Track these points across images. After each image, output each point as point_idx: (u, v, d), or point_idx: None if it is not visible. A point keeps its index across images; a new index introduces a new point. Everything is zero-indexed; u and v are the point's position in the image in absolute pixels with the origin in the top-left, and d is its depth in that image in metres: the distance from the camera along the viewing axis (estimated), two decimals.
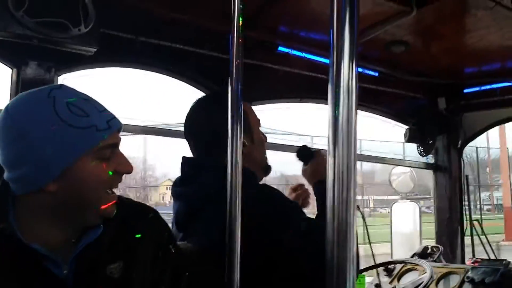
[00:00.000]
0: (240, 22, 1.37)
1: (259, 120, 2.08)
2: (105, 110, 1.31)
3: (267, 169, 2.09)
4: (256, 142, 2.01)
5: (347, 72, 0.77)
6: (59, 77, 2.37)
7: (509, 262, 3.23)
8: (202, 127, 1.95)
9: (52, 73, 2.29)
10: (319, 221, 1.85)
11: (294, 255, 1.74)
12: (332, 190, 0.76)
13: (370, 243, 2.42)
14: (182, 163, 1.99)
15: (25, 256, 1.24)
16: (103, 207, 1.31)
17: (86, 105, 1.27)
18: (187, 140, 2.02)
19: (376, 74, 3.76)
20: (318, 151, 2.15)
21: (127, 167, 1.33)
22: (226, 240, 1.37)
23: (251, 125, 2.00)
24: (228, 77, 1.39)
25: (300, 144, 2.26)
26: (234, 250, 1.36)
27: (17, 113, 1.23)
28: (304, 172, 2.14)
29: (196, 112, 2.00)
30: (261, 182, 2.01)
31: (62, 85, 1.30)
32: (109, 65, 2.63)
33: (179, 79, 2.88)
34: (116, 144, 1.31)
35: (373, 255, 2.47)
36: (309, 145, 2.25)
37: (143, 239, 1.42)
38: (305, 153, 2.14)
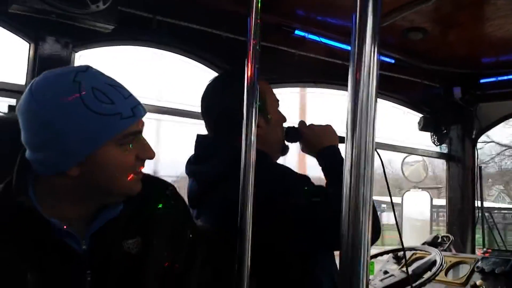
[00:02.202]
0: (259, 4, 1.37)
1: (277, 100, 2.05)
2: (130, 96, 1.30)
3: (284, 149, 2.08)
4: (273, 123, 1.99)
5: (369, 58, 0.76)
6: (76, 54, 2.38)
7: None
8: (217, 106, 1.95)
9: (69, 49, 2.29)
10: (330, 189, 1.86)
11: (305, 227, 1.74)
12: (350, 176, 0.76)
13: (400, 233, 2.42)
14: (196, 141, 2.00)
15: (44, 230, 1.25)
16: (125, 188, 1.32)
17: (112, 91, 1.26)
18: (203, 118, 2.02)
19: (393, 61, 3.73)
20: (302, 124, 2.11)
21: (150, 153, 1.33)
22: (238, 219, 1.38)
23: (268, 105, 1.98)
24: (244, 59, 1.38)
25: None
26: (245, 228, 1.37)
27: (42, 98, 1.22)
28: (303, 149, 2.12)
29: (211, 91, 2.00)
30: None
31: (88, 67, 1.29)
32: (125, 43, 2.63)
33: (195, 60, 2.88)
34: (139, 131, 1.32)
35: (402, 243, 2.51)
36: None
37: (160, 214, 1.43)
38: (292, 133, 2.11)
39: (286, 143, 2.09)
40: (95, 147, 1.22)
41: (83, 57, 2.43)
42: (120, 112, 1.24)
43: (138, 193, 1.36)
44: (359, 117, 0.75)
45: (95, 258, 1.30)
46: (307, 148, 2.09)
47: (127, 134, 1.27)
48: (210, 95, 1.99)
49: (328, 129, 2.06)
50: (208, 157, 1.92)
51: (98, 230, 1.31)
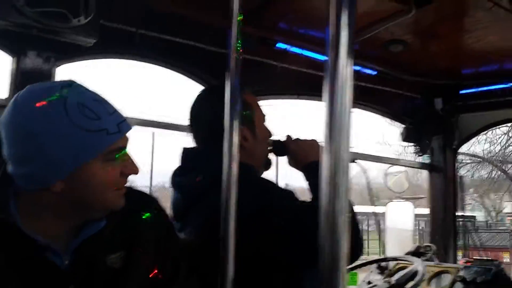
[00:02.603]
0: (240, 16, 1.38)
1: (265, 115, 2.07)
2: (115, 111, 1.30)
3: (267, 164, 2.09)
4: (259, 137, 2.00)
5: (344, 70, 0.78)
6: (57, 68, 2.38)
7: (501, 262, 3.26)
8: (204, 118, 1.96)
9: (51, 63, 2.29)
10: (315, 204, 1.86)
11: (289, 242, 1.75)
12: (327, 187, 0.77)
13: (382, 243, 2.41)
14: (182, 153, 2.00)
15: (26, 246, 1.24)
16: (109, 203, 1.32)
17: (97, 106, 1.27)
18: (190, 129, 2.03)
19: (375, 73, 3.76)
20: (288, 138, 2.13)
21: (134, 169, 1.34)
22: (220, 233, 1.38)
23: (255, 119, 2.00)
24: (226, 71, 1.39)
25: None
26: (227, 241, 1.36)
27: (27, 112, 1.22)
28: (290, 163, 2.14)
29: (199, 103, 2.01)
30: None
31: (73, 82, 1.29)
32: (108, 57, 2.63)
33: (179, 72, 2.89)
34: (124, 147, 1.32)
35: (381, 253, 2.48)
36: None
37: (144, 228, 1.44)
38: (279, 147, 2.12)
39: (270, 157, 2.10)
40: (80, 163, 1.23)
41: (65, 71, 2.43)
42: (106, 128, 1.25)
43: (122, 208, 1.36)
44: (335, 128, 0.77)
45: (78, 273, 1.30)
46: (293, 162, 2.10)
47: (112, 150, 1.27)
48: (199, 107, 2.00)
49: (314, 143, 2.07)
50: (193, 169, 1.92)
51: (81, 245, 1.31)
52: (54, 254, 1.28)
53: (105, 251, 1.35)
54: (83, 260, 1.31)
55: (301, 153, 2.05)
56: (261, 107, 2.05)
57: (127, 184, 1.38)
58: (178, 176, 1.98)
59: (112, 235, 1.37)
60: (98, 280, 1.32)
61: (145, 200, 1.52)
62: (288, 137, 2.11)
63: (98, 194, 1.28)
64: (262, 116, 2.04)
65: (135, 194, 1.48)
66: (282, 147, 2.09)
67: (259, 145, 2.01)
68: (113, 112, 1.30)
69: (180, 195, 1.96)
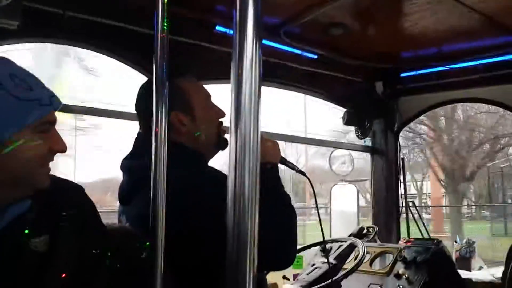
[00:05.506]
0: None
1: (208, 95, 2.04)
2: (45, 86, 1.31)
3: (221, 143, 2.03)
4: (201, 119, 1.97)
5: (251, 48, 0.76)
6: None
7: (440, 241, 3.35)
8: (147, 106, 1.94)
9: None
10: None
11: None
12: (234, 169, 0.75)
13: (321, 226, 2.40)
14: (136, 138, 1.99)
15: None
16: (36, 180, 1.31)
17: (29, 78, 1.28)
18: (138, 116, 2.03)
19: (316, 56, 3.76)
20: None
21: (62, 146, 1.33)
22: (150, 225, 1.34)
23: (192, 102, 1.96)
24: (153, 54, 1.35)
25: None
26: (157, 231, 1.32)
27: None
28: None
29: (143, 93, 1.99)
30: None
31: (2, 57, 1.29)
32: (35, 40, 2.53)
33: (108, 55, 2.79)
34: (54, 122, 1.32)
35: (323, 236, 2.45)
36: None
37: (68, 214, 1.41)
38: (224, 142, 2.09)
39: (226, 136, 2.06)
40: (11, 131, 1.22)
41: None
42: (38, 98, 1.25)
43: (46, 191, 1.34)
44: (242, 108, 0.74)
45: (4, 255, 1.27)
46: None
47: (44, 122, 1.27)
48: (143, 96, 1.98)
49: (275, 146, 2.03)
50: (142, 154, 1.90)
51: (6, 228, 1.28)
52: None
53: (29, 235, 1.32)
54: (8, 243, 1.29)
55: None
56: (200, 89, 2.03)
57: (52, 173, 1.36)
58: (127, 160, 1.98)
59: (36, 219, 1.34)
60: (23, 263, 1.30)
61: (68, 185, 1.51)
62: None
63: (28, 167, 1.27)
64: (201, 98, 2.01)
65: (60, 181, 1.47)
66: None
67: (203, 127, 1.97)
68: (43, 86, 1.30)
69: (128, 178, 1.95)
